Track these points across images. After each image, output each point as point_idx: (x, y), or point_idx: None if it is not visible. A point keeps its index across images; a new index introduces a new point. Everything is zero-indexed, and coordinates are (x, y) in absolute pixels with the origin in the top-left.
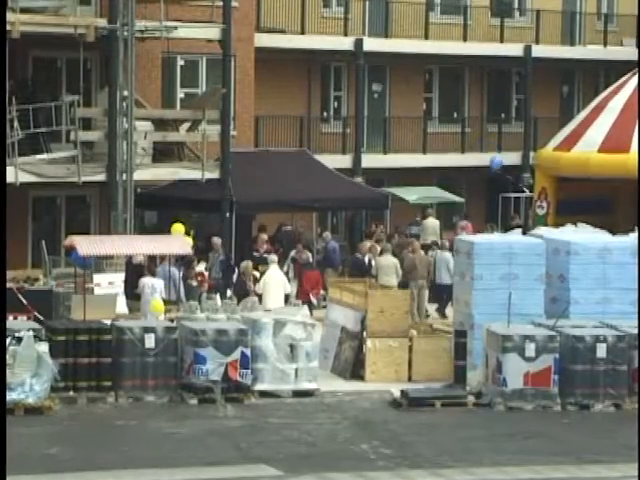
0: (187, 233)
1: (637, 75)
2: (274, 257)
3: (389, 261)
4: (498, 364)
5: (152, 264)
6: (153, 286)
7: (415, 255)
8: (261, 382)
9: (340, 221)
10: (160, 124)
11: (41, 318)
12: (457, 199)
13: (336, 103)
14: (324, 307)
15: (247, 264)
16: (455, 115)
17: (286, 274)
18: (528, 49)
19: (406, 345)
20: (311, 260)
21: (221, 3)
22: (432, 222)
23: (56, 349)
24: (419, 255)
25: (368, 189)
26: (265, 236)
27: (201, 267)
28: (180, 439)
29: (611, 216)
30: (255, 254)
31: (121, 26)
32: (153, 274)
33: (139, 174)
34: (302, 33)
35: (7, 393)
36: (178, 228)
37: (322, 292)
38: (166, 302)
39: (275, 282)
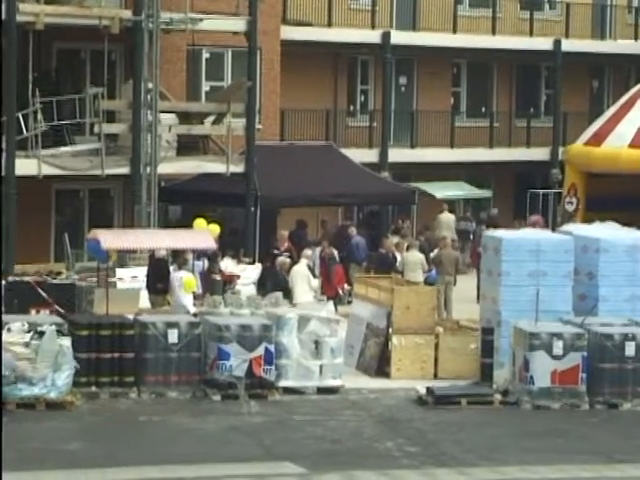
0: (218, 223)
1: None
2: (308, 252)
3: (415, 257)
4: (525, 362)
5: (181, 258)
6: (181, 279)
7: (442, 251)
8: (285, 378)
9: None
10: (185, 117)
11: (61, 311)
12: (485, 194)
13: (363, 97)
14: (349, 303)
15: (284, 260)
16: (483, 109)
17: (312, 270)
18: (558, 43)
19: (432, 342)
20: (336, 256)
21: None
22: (446, 217)
23: (79, 344)
24: (446, 251)
25: (394, 184)
26: (286, 233)
27: (227, 262)
28: (203, 435)
29: None
30: (275, 252)
31: (146, 18)
32: (180, 267)
33: (163, 167)
34: (329, 26)
35: (29, 387)
36: (200, 223)
37: (347, 287)
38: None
39: (300, 276)
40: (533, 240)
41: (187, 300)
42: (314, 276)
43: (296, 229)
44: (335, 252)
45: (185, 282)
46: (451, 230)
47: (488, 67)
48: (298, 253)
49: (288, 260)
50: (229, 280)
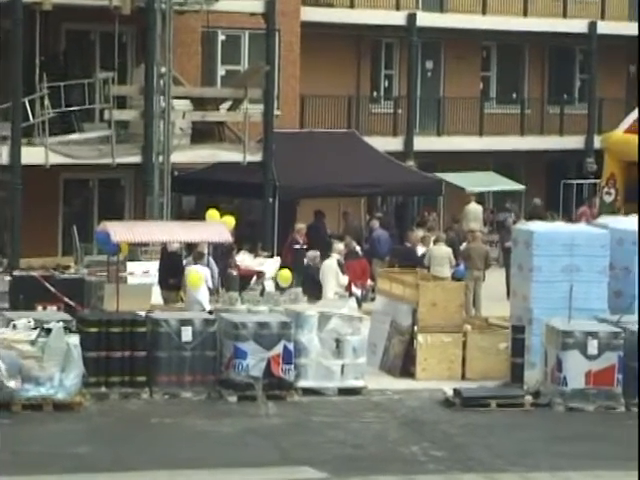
0: (233, 214)
1: None
2: (339, 246)
3: (442, 251)
4: (558, 362)
5: (196, 251)
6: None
7: (471, 245)
8: (305, 379)
9: (390, 208)
10: (199, 103)
11: (73, 304)
12: (516, 186)
13: (387, 82)
14: (372, 299)
15: (315, 254)
16: (514, 95)
17: (341, 266)
18: (593, 25)
19: (460, 341)
20: (358, 249)
21: None
22: (474, 207)
23: (87, 342)
24: (476, 245)
25: (420, 174)
26: (303, 226)
27: (244, 256)
28: (218, 438)
29: None
30: (296, 246)
31: None
32: (196, 262)
33: (176, 156)
34: (351, 7)
35: (35, 388)
36: (213, 214)
37: (370, 283)
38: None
39: (331, 272)
40: (566, 233)
41: (203, 296)
42: (342, 272)
43: (314, 221)
44: (357, 246)
45: (189, 276)
46: (479, 222)
47: (519, 51)
48: (318, 246)
49: (318, 253)
50: (257, 275)
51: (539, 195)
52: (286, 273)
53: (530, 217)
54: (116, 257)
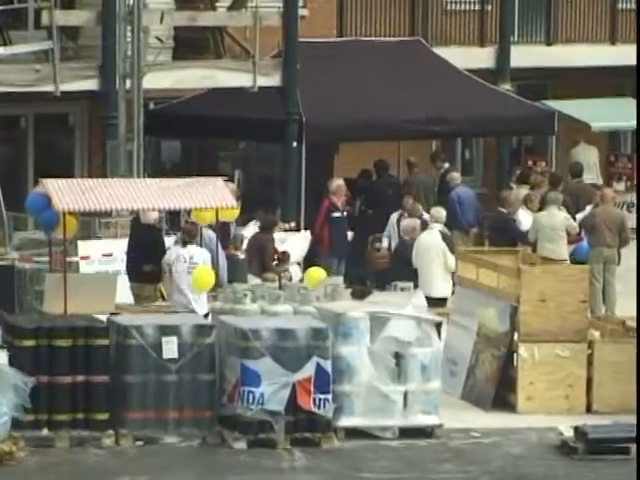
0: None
1: None
2: (441, 211)
3: (555, 219)
4: None
5: (189, 224)
6: (192, 259)
7: (598, 210)
8: (349, 414)
9: (476, 155)
10: (185, 0)
11: None
12: None
13: None
14: (450, 293)
15: (414, 223)
16: None
17: (449, 241)
18: None
19: (583, 355)
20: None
21: None
22: (584, 150)
23: (21, 361)
24: (606, 209)
25: (521, 103)
26: (342, 183)
27: (254, 228)
28: None
29: None
30: (334, 214)
31: None
32: (187, 241)
33: (152, 80)
34: None
35: None
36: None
37: None
38: None
39: (436, 252)
40: None
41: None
42: (451, 250)
43: (358, 177)
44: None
45: (197, 276)
46: (593, 172)
47: None
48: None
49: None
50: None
51: None
52: (316, 272)
53: None
54: (59, 233)
